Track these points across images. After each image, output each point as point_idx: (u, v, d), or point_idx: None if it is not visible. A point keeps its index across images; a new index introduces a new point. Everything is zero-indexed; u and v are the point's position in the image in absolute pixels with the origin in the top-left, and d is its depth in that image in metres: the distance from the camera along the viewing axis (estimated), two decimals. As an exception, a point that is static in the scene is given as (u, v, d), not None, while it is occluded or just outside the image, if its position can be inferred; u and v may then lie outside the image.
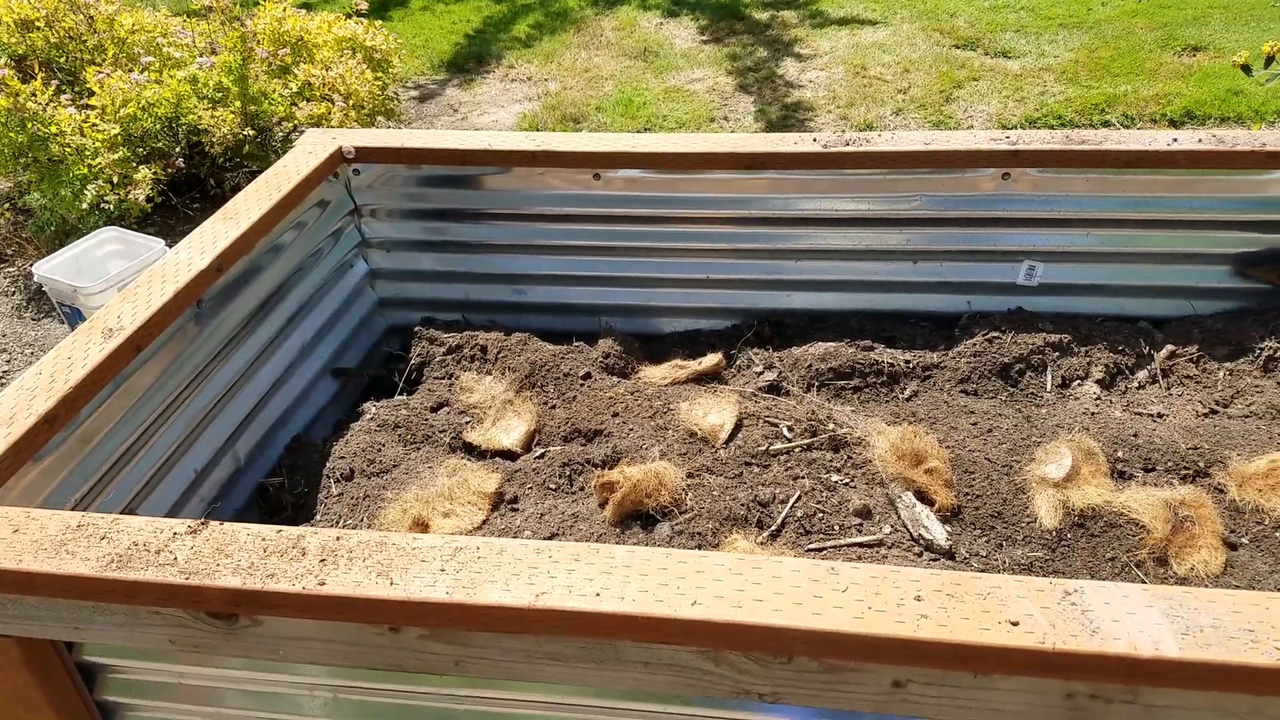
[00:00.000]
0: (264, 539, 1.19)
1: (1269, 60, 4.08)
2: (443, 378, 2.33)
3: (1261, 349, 2.14)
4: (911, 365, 2.23)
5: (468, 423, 2.15)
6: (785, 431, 1.96)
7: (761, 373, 2.22)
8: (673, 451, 1.93)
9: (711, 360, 2.27)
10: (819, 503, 1.78)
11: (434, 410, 2.22)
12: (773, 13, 6.66)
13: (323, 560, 1.15)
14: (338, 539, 1.18)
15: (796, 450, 1.90)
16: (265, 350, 2.16)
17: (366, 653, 1.17)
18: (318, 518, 1.93)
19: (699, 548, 1.67)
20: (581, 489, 1.87)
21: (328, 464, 2.04)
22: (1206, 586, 1.57)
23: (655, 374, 2.28)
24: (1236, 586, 1.60)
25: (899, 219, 2.29)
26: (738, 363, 2.30)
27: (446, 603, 1.08)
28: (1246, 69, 4.27)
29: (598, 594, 1.06)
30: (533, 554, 1.13)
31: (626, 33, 6.55)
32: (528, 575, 1.10)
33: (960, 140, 2.19)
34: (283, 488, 2.01)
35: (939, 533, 1.65)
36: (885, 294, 2.40)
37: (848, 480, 1.82)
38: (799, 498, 1.78)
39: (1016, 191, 2.21)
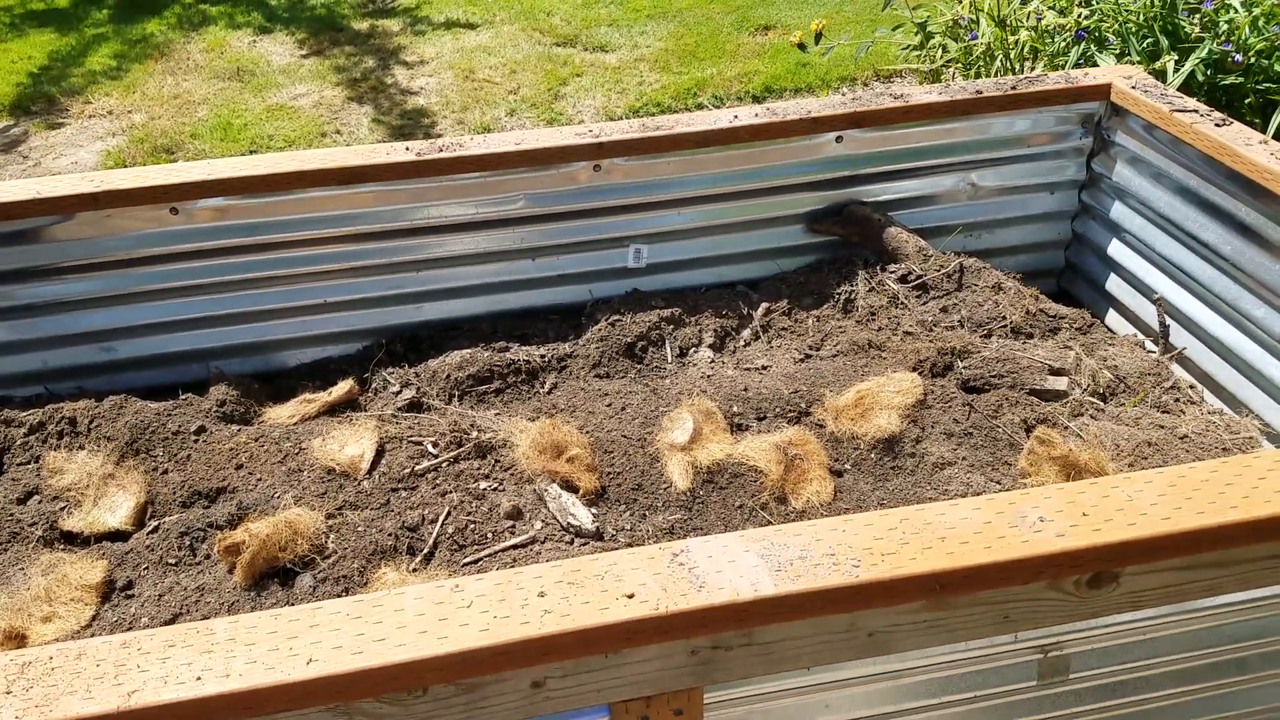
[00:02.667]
0: None
1: (818, 37, 4.64)
2: (27, 462, 2.01)
3: (839, 294, 2.43)
4: (547, 359, 2.27)
5: (63, 508, 1.87)
6: (430, 448, 1.91)
7: (399, 392, 2.15)
8: (309, 494, 1.80)
9: (343, 388, 2.16)
10: (469, 514, 1.75)
11: (21, 502, 1.92)
12: (373, 22, 6.49)
13: None
14: None
15: (444, 465, 1.86)
16: None
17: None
18: None
19: (345, 592, 1.58)
20: (208, 557, 1.69)
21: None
22: (822, 515, 1.75)
23: (282, 413, 2.13)
24: (845, 510, 1.79)
25: (509, 219, 2.32)
26: (373, 386, 2.21)
27: (13, 735, 0.91)
28: (802, 46, 4.83)
29: (199, 678, 0.95)
30: (118, 650, 0.99)
31: (217, 54, 6.08)
32: (114, 675, 0.96)
33: (548, 138, 2.26)
34: None
35: (585, 518, 1.69)
36: (512, 293, 2.42)
37: (497, 485, 1.81)
38: (448, 514, 1.74)
39: (611, 181, 2.31)
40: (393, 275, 2.33)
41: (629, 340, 2.30)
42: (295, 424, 2.06)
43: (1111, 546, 1.08)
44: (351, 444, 1.91)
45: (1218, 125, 1.96)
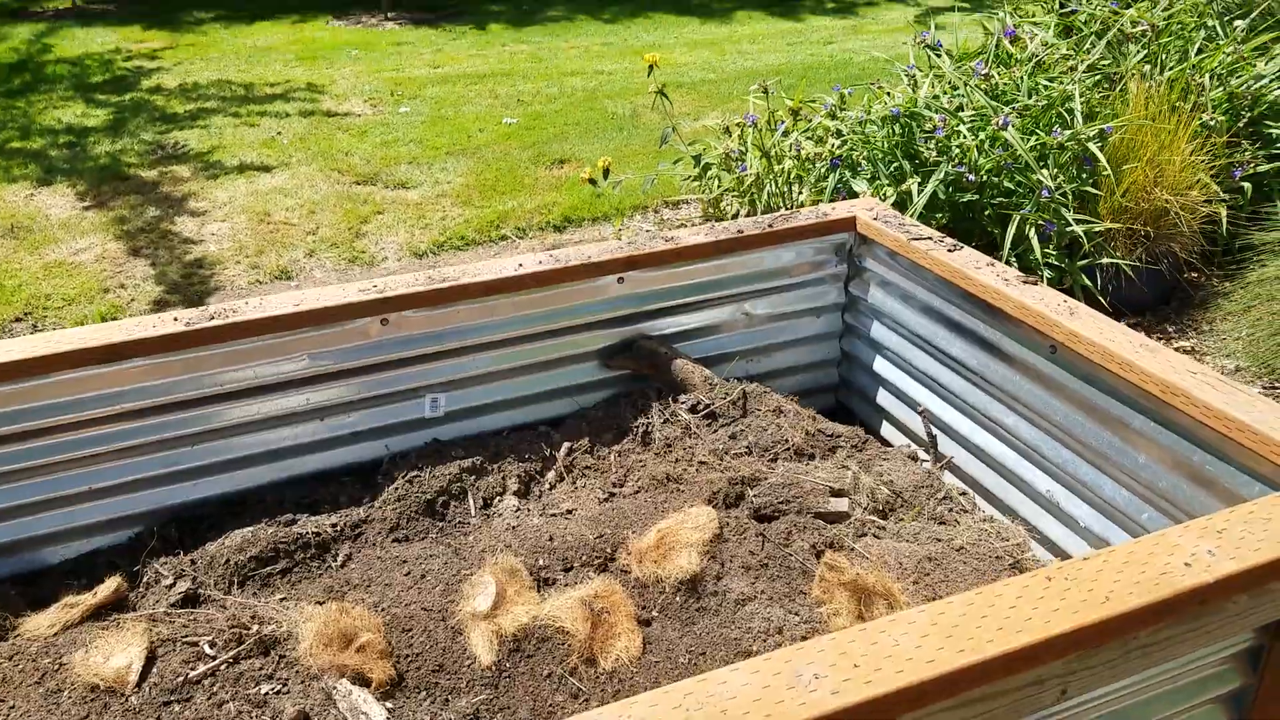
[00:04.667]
0: None
1: (606, 172, 4.85)
2: None
3: (637, 427, 2.47)
4: (339, 528, 2.17)
5: None
6: (207, 648, 1.77)
7: (173, 584, 2.00)
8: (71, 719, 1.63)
9: (109, 587, 1.98)
10: (252, 724, 1.62)
11: None
12: (162, 169, 6.28)
13: None
14: None
15: (222, 668, 1.73)
16: None
17: None
18: None
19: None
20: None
21: None
22: (632, 673, 1.73)
23: (42, 623, 1.92)
24: (656, 662, 1.77)
25: (293, 380, 2.24)
26: (145, 579, 2.05)
27: None
28: (593, 182, 5.02)
29: None
30: None
31: (-15, 210, 5.69)
32: None
33: (330, 296, 2.22)
34: None
35: (378, 715, 1.60)
36: (300, 458, 2.32)
37: (280, 687, 1.69)
38: (228, 725, 1.60)
39: (401, 333, 2.29)
40: (166, 452, 2.19)
41: (428, 497, 2.24)
42: (56, 634, 1.87)
43: (884, 698, 1.12)
44: (118, 653, 1.75)
45: (950, 250, 2.16)
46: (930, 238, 2.24)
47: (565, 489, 2.34)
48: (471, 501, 2.27)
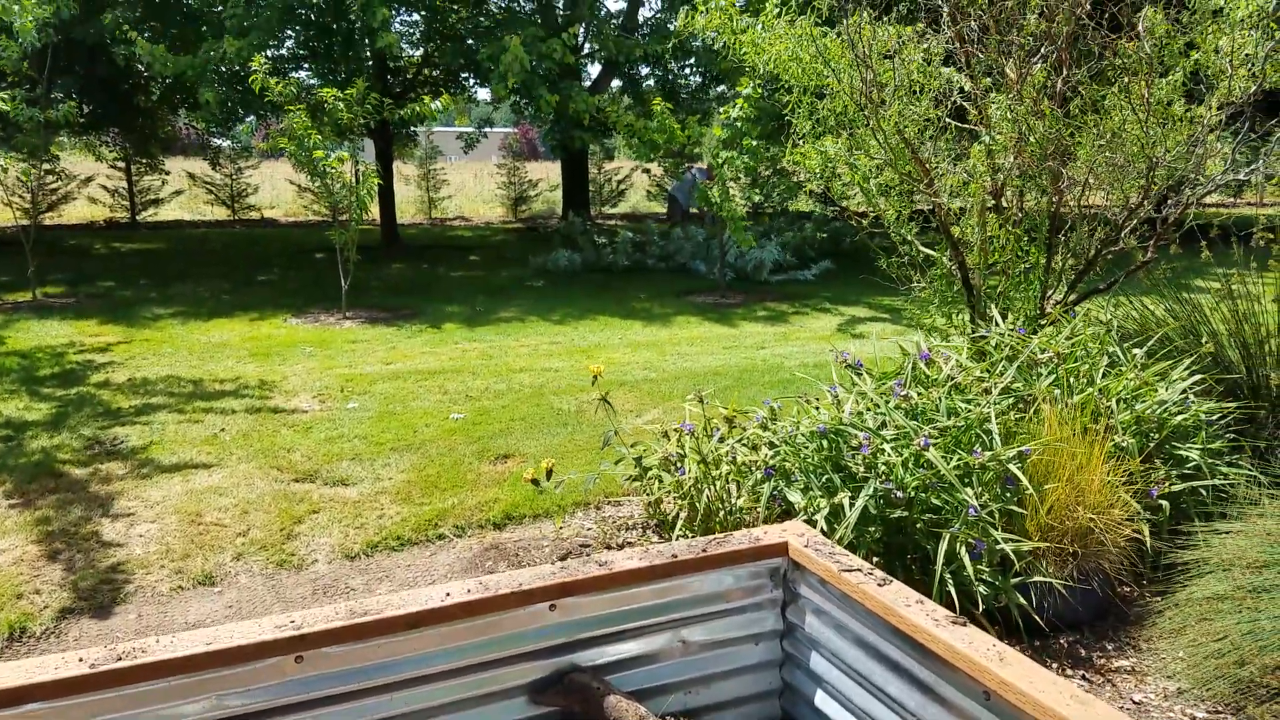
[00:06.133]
0: None
1: (549, 473, 4.90)
2: None
3: (566, 769, 2.31)
4: None
5: None
6: None
7: None
8: None
9: None
10: None
11: None
12: (96, 466, 6.20)
13: None
14: None
15: None
16: None
17: None
18: None
19: None
20: None
21: None
22: None
23: None
24: None
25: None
26: None
27: None
28: (536, 483, 5.06)
29: None
30: None
31: (-100, 507, 5.50)
32: None
33: (245, 633, 2.13)
34: None
35: None
36: (193, 814, 2.11)
37: None
38: None
39: (317, 671, 2.18)
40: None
41: None
42: None
43: None
44: None
45: (880, 585, 2.17)
46: (859, 569, 2.26)
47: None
48: None
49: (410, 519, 5.44)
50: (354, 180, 10.68)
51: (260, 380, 8.23)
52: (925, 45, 5.26)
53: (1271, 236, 5.01)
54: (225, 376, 8.35)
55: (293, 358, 9.09)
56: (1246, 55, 4.60)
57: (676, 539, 4.03)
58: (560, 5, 17.96)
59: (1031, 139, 4.70)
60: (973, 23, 5.08)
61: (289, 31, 14.47)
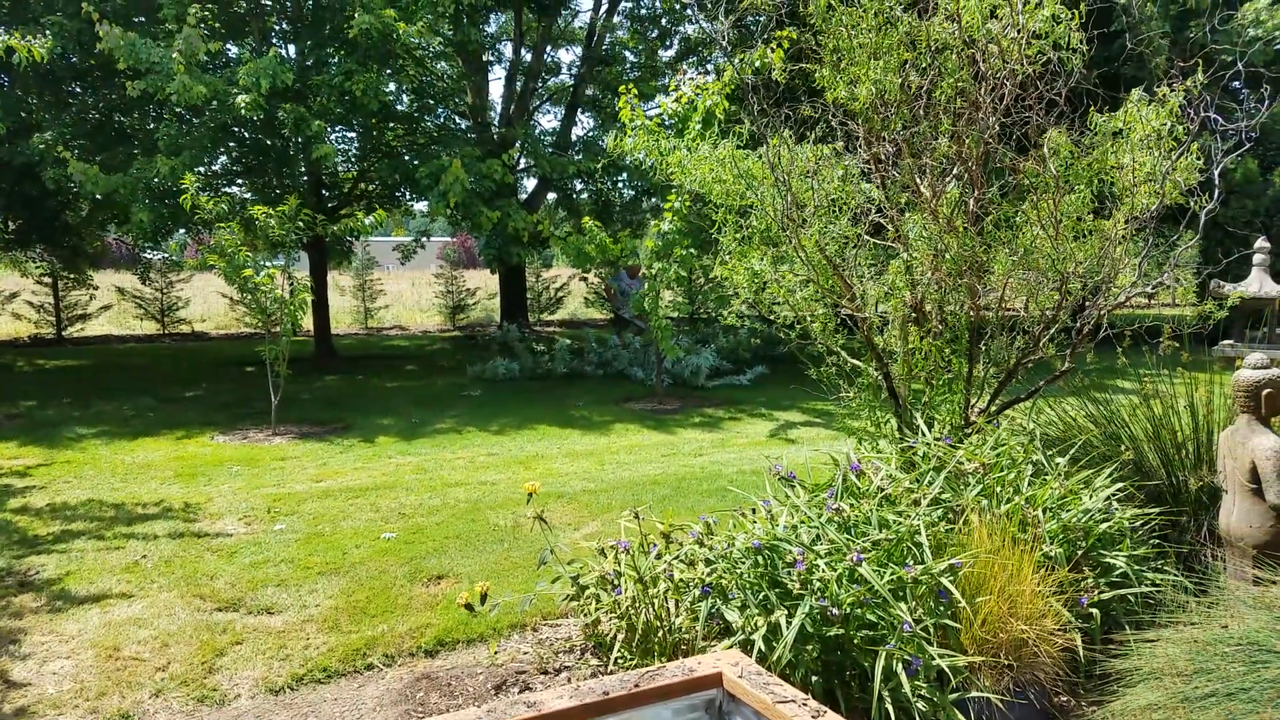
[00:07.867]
0: None
1: (483, 597, 4.79)
2: None
3: None
4: None
5: None
6: None
7: None
8: None
9: None
10: None
11: None
12: (9, 600, 5.88)
13: None
14: None
15: None
16: None
17: None
18: None
19: None
20: None
21: None
22: None
23: None
24: None
25: None
26: None
27: None
28: (469, 607, 4.94)
29: None
30: None
31: None
32: None
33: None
34: None
35: None
36: None
37: None
38: None
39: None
40: None
41: None
42: None
43: None
44: None
45: (814, 717, 2.14)
46: (794, 700, 2.23)
47: None
48: None
49: (338, 649, 5.24)
50: (286, 294, 10.63)
51: (185, 503, 7.97)
52: (844, 162, 5.50)
53: (1178, 345, 5.25)
54: (148, 499, 8.07)
55: (219, 478, 8.84)
56: (1148, 173, 4.89)
57: (615, 662, 3.95)
58: (495, 123, 18.44)
59: (947, 255, 4.90)
60: (888, 145, 5.34)
61: (222, 149, 14.55)
